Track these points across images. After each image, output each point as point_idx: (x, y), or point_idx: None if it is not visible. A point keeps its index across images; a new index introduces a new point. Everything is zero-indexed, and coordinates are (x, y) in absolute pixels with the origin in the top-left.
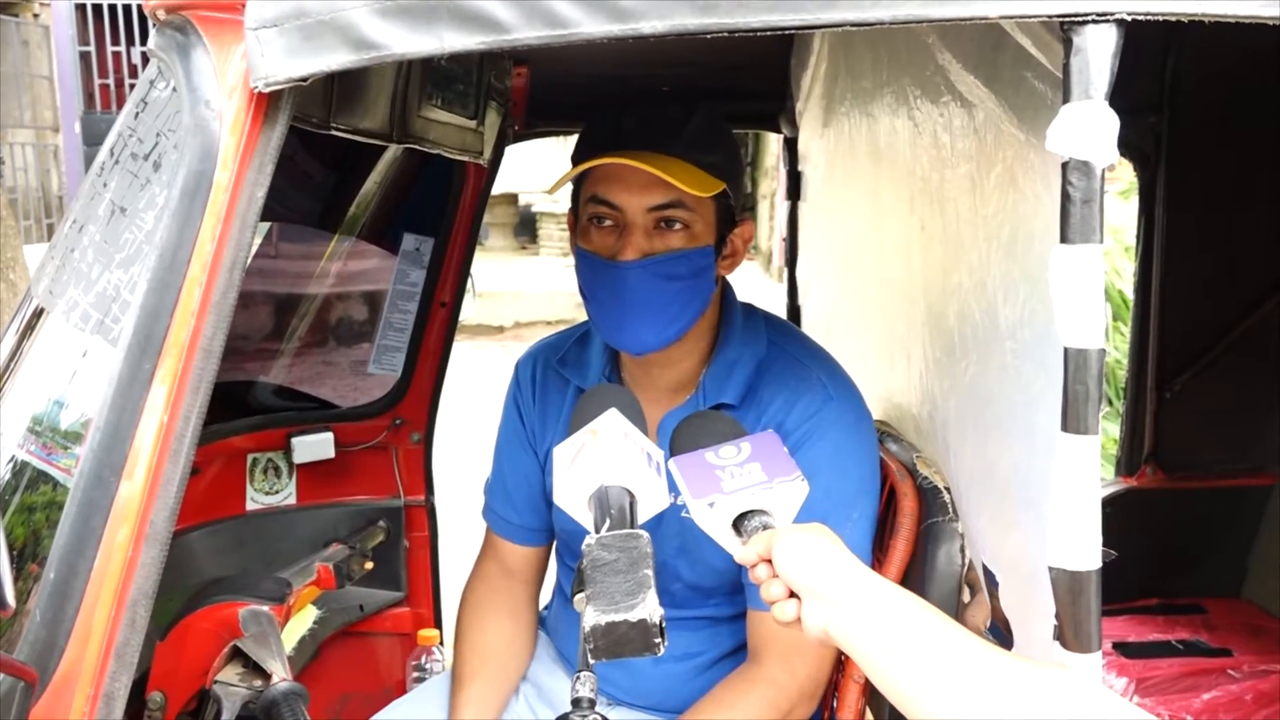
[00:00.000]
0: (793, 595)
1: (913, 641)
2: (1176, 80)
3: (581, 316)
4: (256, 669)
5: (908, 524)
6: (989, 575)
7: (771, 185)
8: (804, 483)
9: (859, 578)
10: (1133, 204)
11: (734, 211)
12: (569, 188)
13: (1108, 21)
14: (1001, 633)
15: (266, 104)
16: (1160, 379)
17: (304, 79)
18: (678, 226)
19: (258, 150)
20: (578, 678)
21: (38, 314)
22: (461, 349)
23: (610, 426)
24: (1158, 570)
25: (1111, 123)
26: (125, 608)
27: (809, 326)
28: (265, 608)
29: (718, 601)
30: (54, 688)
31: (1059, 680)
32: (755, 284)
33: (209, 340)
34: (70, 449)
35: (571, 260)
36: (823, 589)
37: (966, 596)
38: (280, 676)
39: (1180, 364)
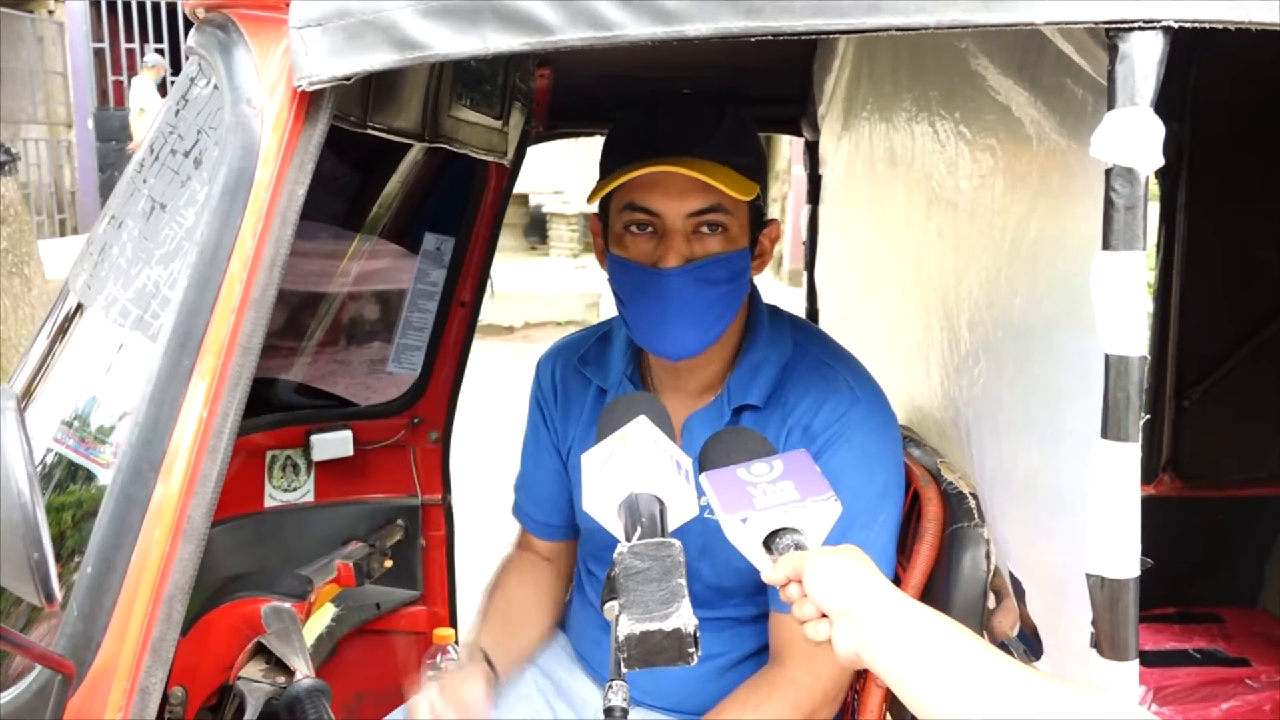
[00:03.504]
0: (824, 615)
1: (944, 664)
2: (1199, 88)
3: (591, 317)
4: (279, 665)
5: (932, 529)
6: (1016, 582)
7: (782, 189)
8: (837, 502)
9: (890, 601)
10: (1152, 211)
11: (763, 212)
12: (574, 190)
13: (1154, 28)
14: (1030, 640)
15: (308, 102)
16: (1179, 387)
17: (347, 78)
18: (717, 230)
19: (299, 148)
20: (610, 686)
21: (75, 309)
22: (471, 348)
23: (640, 434)
24: (1174, 579)
25: (1157, 129)
26: (162, 603)
27: (827, 330)
28: (288, 604)
29: (739, 602)
30: (90, 681)
31: (1096, 703)
32: (766, 287)
33: (248, 337)
34: (108, 444)
35: (582, 261)
36: (854, 611)
37: (992, 603)
38: (303, 673)
39: (1199, 372)
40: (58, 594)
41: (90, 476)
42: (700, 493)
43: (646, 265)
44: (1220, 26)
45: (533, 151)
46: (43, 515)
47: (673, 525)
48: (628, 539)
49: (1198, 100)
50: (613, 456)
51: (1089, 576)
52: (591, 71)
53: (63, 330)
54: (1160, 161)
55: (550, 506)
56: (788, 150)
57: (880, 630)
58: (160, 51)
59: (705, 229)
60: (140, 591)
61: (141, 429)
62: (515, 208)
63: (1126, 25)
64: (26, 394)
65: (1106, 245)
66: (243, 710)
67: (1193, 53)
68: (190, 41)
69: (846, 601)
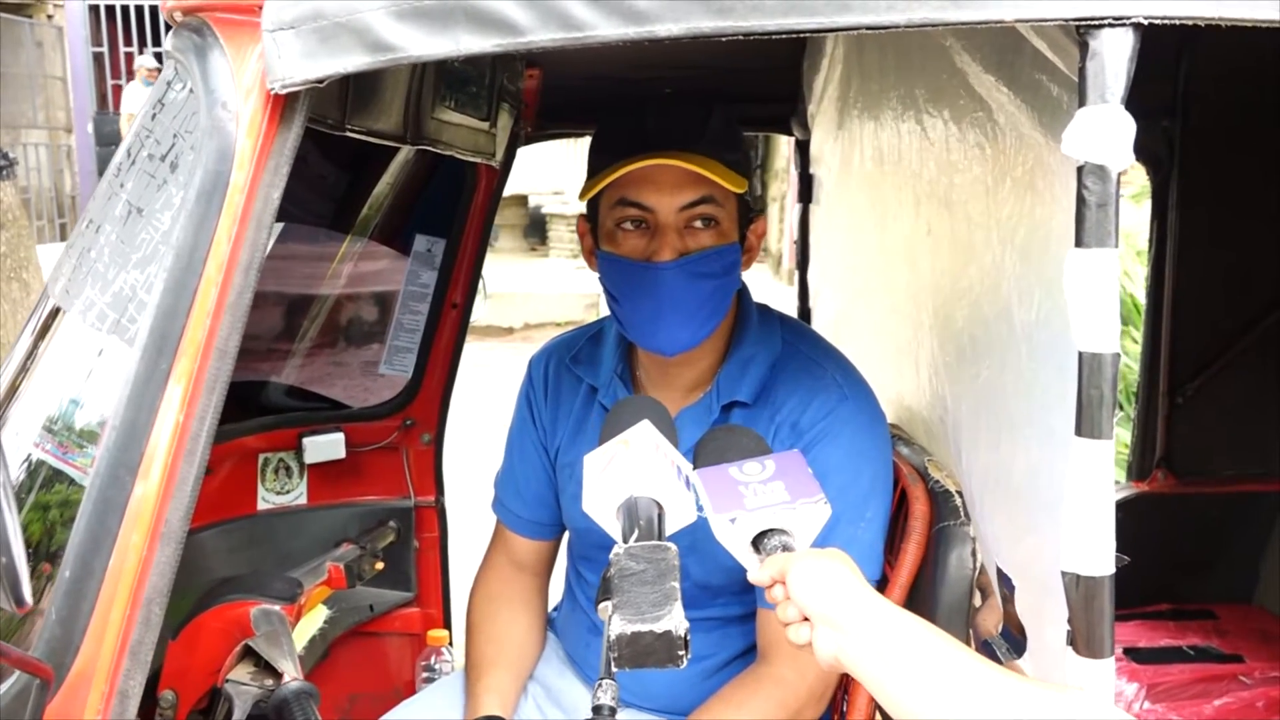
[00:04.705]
0: (807, 619)
1: (924, 671)
2: (1190, 84)
3: (591, 318)
4: (268, 668)
5: (919, 528)
6: (1004, 579)
7: (782, 188)
8: (827, 505)
9: (871, 606)
10: (1145, 208)
11: (750, 208)
12: (573, 190)
13: (1124, 25)
14: (1014, 637)
15: (283, 105)
16: (1172, 384)
17: (320, 81)
18: (709, 224)
19: (274, 151)
20: (599, 685)
21: (54, 313)
22: (471, 350)
23: (642, 438)
24: (1169, 575)
25: (1128, 127)
26: (140, 606)
27: (819, 329)
28: (277, 607)
29: (726, 600)
30: (69, 685)
31: (1073, 704)
32: (765, 286)
33: (224, 340)
34: (86, 448)
35: (582, 262)
36: (835, 617)
37: (977, 600)
38: (292, 675)
39: (1192, 369)
40: (29, 599)
41: (69, 481)
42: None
43: (639, 260)
44: (1191, 23)
45: (532, 152)
46: (13, 520)
47: (671, 529)
48: (625, 541)
49: (1189, 96)
50: (615, 459)
51: (1064, 574)
52: (581, 72)
53: (42, 335)
54: (1131, 159)
55: (536, 503)
56: (787, 149)
57: (860, 636)
58: (157, 56)
59: (698, 223)
60: (118, 595)
61: (119, 433)
62: (515, 208)
63: (1096, 22)
64: (7, 399)
65: (1079, 243)
66: (232, 713)
67: (1183, 48)
68: (167, 45)
69: (827, 606)
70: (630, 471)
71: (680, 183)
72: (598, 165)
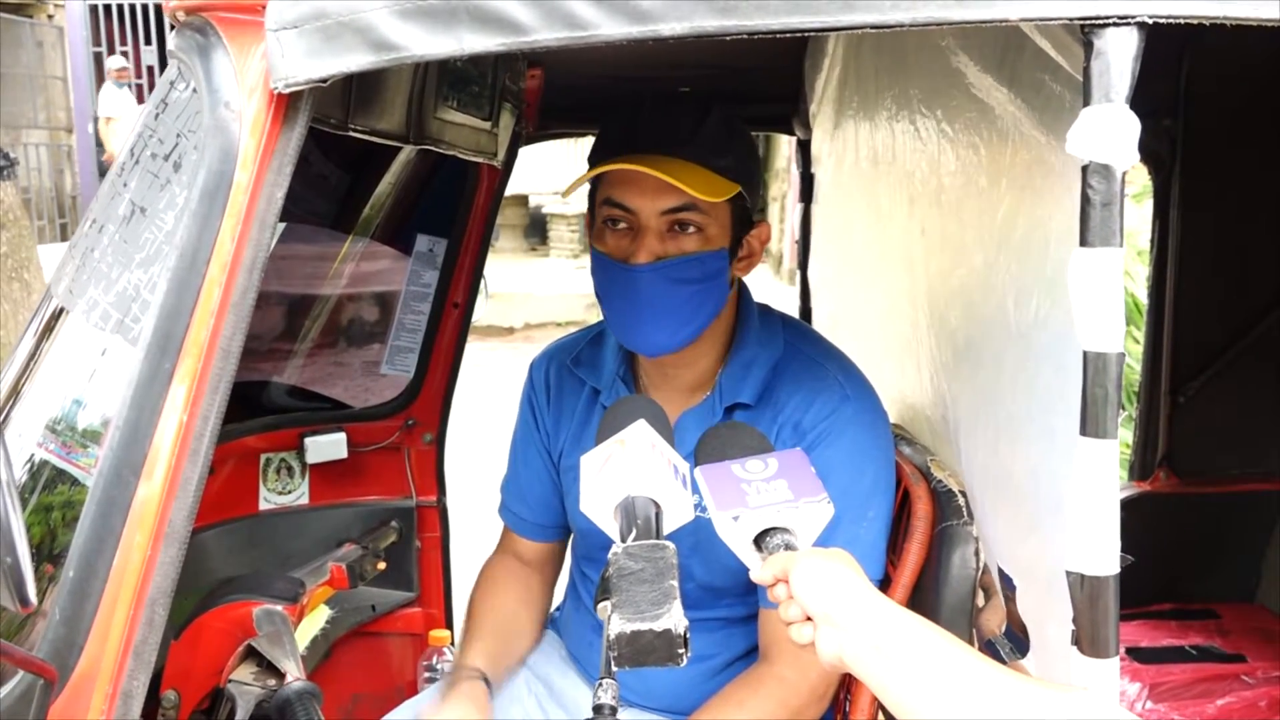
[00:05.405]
0: (809, 618)
1: (926, 671)
2: (1191, 83)
3: (592, 318)
4: (270, 668)
5: (922, 527)
6: (1005, 579)
7: (782, 187)
8: (830, 505)
9: (874, 606)
10: (1146, 207)
11: (750, 213)
12: (585, 187)
13: (1129, 24)
14: (1017, 637)
15: (286, 105)
16: (1174, 383)
17: (324, 80)
18: (691, 230)
19: (277, 151)
20: (600, 684)
21: (57, 313)
22: (472, 350)
23: (638, 438)
24: (1171, 575)
25: (1132, 126)
26: (144, 606)
27: (820, 328)
28: (279, 607)
29: (730, 602)
30: (73, 685)
31: (1077, 704)
32: (766, 286)
33: (228, 340)
34: (89, 448)
35: (582, 262)
36: (838, 616)
37: (981, 600)
38: (294, 676)
39: (1194, 368)
40: (33, 599)
41: (72, 481)
42: (696, 493)
43: (619, 260)
44: (1195, 22)
45: (532, 152)
46: (17, 520)
47: (668, 528)
48: (623, 540)
49: (1190, 95)
50: (611, 459)
51: (1069, 574)
52: (583, 72)
53: (46, 335)
54: (1136, 158)
55: (539, 506)
56: (788, 148)
57: (862, 636)
58: (162, 56)
59: (679, 228)
60: (122, 595)
61: (122, 433)
62: (515, 208)
63: (1101, 21)
64: (11, 399)
65: (1083, 242)
66: (234, 713)
67: (1185, 48)
68: (170, 45)
69: (830, 606)
70: (627, 471)
71: (663, 187)
72: (590, 161)
